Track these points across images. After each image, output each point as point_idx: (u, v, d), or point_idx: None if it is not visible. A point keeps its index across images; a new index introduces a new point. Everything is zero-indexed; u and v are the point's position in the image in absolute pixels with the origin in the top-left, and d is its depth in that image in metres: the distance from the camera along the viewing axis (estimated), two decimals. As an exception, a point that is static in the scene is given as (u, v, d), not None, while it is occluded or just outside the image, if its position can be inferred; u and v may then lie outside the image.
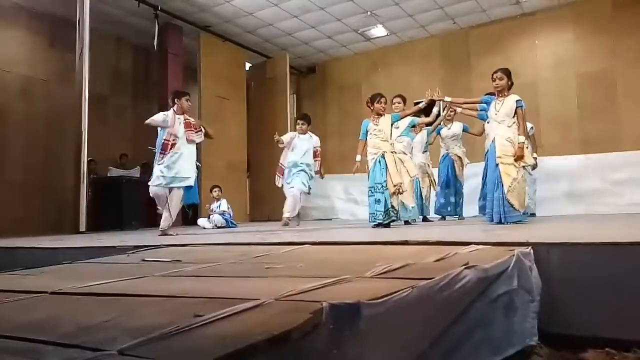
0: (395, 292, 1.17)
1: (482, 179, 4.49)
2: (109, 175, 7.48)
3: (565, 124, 7.34)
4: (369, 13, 8.15)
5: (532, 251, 2.08)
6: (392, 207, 4.56)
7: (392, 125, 4.84)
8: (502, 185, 4.15)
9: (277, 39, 9.16)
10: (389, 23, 8.58)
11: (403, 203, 4.83)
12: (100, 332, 0.98)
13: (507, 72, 4.37)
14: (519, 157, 4.13)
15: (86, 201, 6.27)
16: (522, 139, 4.15)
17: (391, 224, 4.66)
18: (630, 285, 1.93)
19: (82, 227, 6.11)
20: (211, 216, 6.50)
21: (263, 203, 9.00)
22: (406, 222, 5.09)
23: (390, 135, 4.82)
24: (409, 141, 5.44)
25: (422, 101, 5.17)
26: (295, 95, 10.46)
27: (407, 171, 5.12)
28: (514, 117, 4.28)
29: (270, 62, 9.76)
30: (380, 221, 4.53)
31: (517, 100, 4.26)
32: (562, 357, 1.93)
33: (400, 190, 4.60)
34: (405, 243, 2.50)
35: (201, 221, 6.58)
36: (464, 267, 1.55)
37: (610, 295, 1.96)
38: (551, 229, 3.70)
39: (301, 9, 8.01)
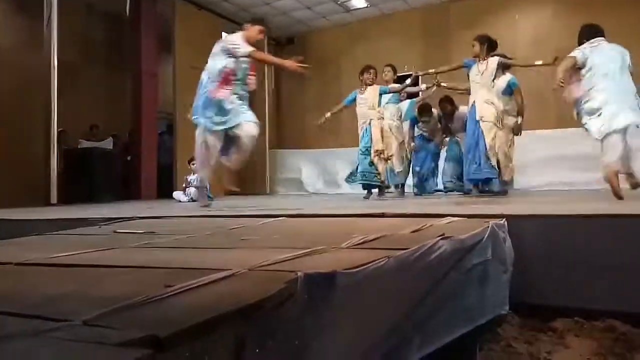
0: (371, 262, 1.16)
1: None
2: (79, 147, 7.27)
3: (543, 99, 7.41)
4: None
5: (506, 223, 2.11)
6: (377, 173, 4.76)
7: (380, 95, 5.02)
8: (484, 141, 4.24)
9: (255, 8, 8.93)
10: (369, -6, 8.46)
11: (391, 168, 5.04)
12: (66, 302, 0.95)
13: (479, 39, 4.64)
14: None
15: (57, 173, 6.10)
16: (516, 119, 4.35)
17: (384, 190, 5.00)
18: (599, 257, 1.98)
19: (53, 200, 5.96)
20: (187, 189, 6.41)
21: (240, 176, 8.92)
22: (396, 186, 5.30)
23: (379, 104, 4.99)
24: (398, 107, 5.51)
25: (409, 76, 5.30)
26: (273, 67, 10.27)
27: (395, 137, 5.27)
28: (494, 80, 4.44)
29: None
30: (363, 183, 4.78)
31: (509, 80, 4.48)
32: (532, 326, 1.98)
33: (384, 157, 4.79)
34: (382, 215, 2.51)
35: (176, 194, 6.48)
36: (439, 237, 1.55)
37: (579, 266, 2.01)
38: (525, 202, 3.77)
39: (279, -22, 7.81)
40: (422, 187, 5.79)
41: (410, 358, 1.40)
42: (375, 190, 5.10)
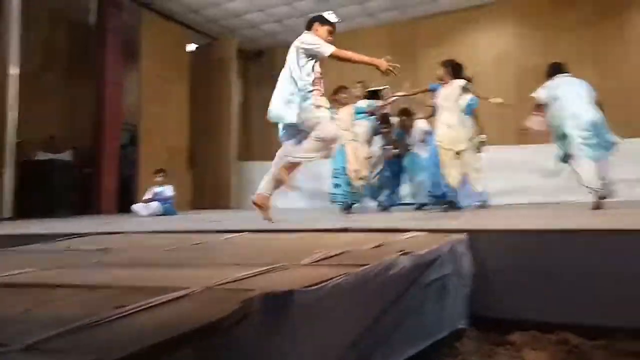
0: (330, 279, 1.17)
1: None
2: (36, 158, 7.00)
3: (503, 116, 7.65)
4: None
5: (466, 238, 2.15)
6: (353, 192, 4.80)
7: (355, 114, 5.11)
8: (441, 163, 4.43)
9: (224, 20, 8.92)
10: (339, 10, 8.56)
11: (359, 186, 5.10)
12: (10, 325, 0.91)
13: (444, 63, 4.82)
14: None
15: (13, 186, 5.86)
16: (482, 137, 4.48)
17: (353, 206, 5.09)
18: (554, 271, 2.04)
19: (8, 214, 5.72)
20: (149, 203, 6.23)
21: (206, 190, 8.80)
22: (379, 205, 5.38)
23: (352, 125, 5.06)
24: (368, 124, 5.54)
25: (378, 91, 5.38)
26: (242, 80, 10.25)
27: (363, 156, 5.34)
28: (457, 101, 4.63)
29: (216, 44, 9.49)
30: (340, 204, 4.80)
31: (469, 100, 4.68)
32: (490, 339, 2.02)
33: (359, 176, 4.86)
34: (345, 230, 2.52)
35: (137, 207, 6.26)
36: (399, 253, 1.57)
37: (536, 280, 2.06)
38: (486, 217, 3.86)
39: (248, -9, 7.83)
40: (388, 199, 5.85)
41: (371, 374, 1.41)
42: (356, 205, 5.17)
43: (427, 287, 1.79)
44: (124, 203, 7.09)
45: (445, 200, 4.49)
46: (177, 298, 1.02)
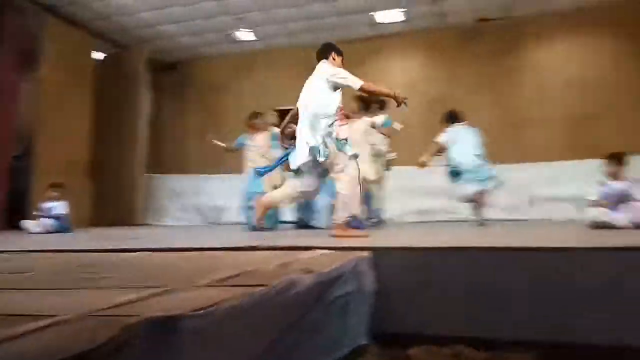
0: (223, 301, 1.12)
1: None
2: None
3: (410, 143, 8.05)
4: (236, 16, 8.05)
5: (370, 255, 2.20)
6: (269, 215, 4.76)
7: (271, 140, 5.11)
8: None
9: (136, 30, 8.55)
10: (257, 28, 8.57)
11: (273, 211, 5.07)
12: None
13: (356, 98, 5.16)
14: None
15: None
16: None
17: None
18: (450, 287, 2.14)
19: None
20: (40, 219, 5.69)
21: (109, 205, 8.24)
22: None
23: (268, 150, 5.10)
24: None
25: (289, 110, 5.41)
26: (154, 91, 9.84)
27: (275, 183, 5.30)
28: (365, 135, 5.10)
29: (125, 54, 9.05)
30: (252, 226, 4.74)
31: (384, 119, 5.20)
32: (391, 355, 2.07)
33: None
34: (253, 249, 2.47)
35: (26, 224, 5.68)
36: (301, 272, 1.56)
37: (433, 296, 2.16)
38: (391, 235, 4.00)
39: (163, 1, 7.58)
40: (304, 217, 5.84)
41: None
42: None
43: (329, 305, 1.79)
44: (15, 219, 6.42)
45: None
46: (50, 326, 0.92)
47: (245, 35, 8.79)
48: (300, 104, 3.63)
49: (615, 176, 4.02)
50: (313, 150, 3.37)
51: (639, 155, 5.98)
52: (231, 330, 1.16)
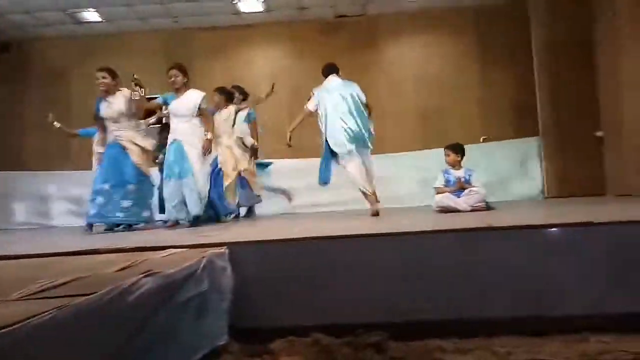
0: (35, 315, 0.94)
1: None
2: None
3: (278, 131, 8.06)
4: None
5: (227, 251, 2.11)
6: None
7: None
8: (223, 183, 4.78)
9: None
10: (103, 9, 7.81)
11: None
12: None
13: (218, 90, 5.08)
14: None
15: None
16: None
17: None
18: (305, 277, 2.15)
19: None
20: None
21: None
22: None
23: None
24: None
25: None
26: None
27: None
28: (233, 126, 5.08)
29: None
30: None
31: (248, 112, 5.24)
32: (251, 351, 2.01)
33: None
34: (95, 252, 2.22)
35: None
36: (142, 275, 1.41)
37: (291, 287, 2.14)
38: (251, 228, 3.96)
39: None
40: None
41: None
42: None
43: (181, 307, 1.67)
44: None
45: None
46: None
47: (90, 15, 7.96)
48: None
49: (454, 164, 4.46)
50: None
51: (477, 145, 6.77)
52: (50, 349, 0.99)
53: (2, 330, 0.86)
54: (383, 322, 2.03)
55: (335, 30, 8.55)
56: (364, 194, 4.30)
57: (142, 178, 4.36)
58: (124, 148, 4.28)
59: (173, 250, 2.10)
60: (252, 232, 3.29)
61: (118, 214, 4.22)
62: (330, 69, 4.61)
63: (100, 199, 4.20)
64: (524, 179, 6.49)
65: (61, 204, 6.89)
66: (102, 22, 8.20)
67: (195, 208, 4.15)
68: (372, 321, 2.05)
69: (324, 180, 4.41)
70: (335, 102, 4.35)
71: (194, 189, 4.13)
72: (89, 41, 8.57)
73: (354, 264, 2.14)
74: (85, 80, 8.62)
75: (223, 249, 2.08)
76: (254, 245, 2.21)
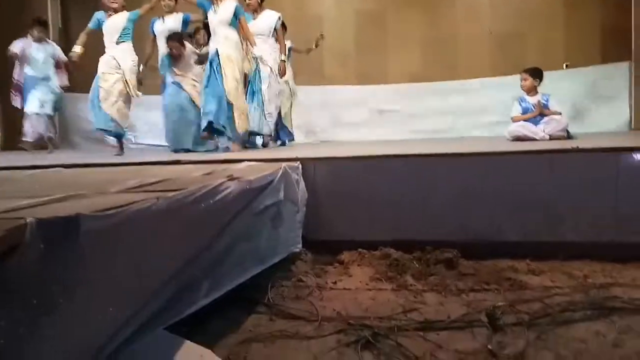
0: (132, 203, 1.02)
1: None
2: None
3: (344, 57, 7.88)
4: None
5: (300, 165, 2.16)
6: None
7: None
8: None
9: None
10: None
11: None
12: None
13: None
14: None
15: None
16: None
17: None
18: (378, 194, 2.17)
19: None
20: None
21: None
22: None
23: None
24: None
25: None
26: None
27: None
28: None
29: None
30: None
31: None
32: (322, 261, 2.10)
33: None
34: (176, 162, 2.35)
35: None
36: (225, 179, 1.48)
37: (363, 203, 2.18)
38: (319, 148, 3.99)
39: None
40: None
41: (198, 303, 1.33)
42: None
43: (260, 213, 1.74)
44: None
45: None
46: None
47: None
48: None
49: (530, 90, 4.15)
50: None
51: (557, 71, 6.26)
52: (144, 235, 1.08)
53: (104, 213, 0.94)
54: (453, 240, 2.03)
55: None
56: None
57: None
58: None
59: (249, 163, 2.18)
60: (323, 150, 3.32)
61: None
62: None
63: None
64: (611, 109, 5.98)
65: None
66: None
67: (265, 127, 4.21)
68: (442, 239, 2.06)
69: None
70: None
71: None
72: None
73: (420, 184, 2.12)
74: None
75: (297, 164, 2.12)
76: (326, 162, 2.23)
